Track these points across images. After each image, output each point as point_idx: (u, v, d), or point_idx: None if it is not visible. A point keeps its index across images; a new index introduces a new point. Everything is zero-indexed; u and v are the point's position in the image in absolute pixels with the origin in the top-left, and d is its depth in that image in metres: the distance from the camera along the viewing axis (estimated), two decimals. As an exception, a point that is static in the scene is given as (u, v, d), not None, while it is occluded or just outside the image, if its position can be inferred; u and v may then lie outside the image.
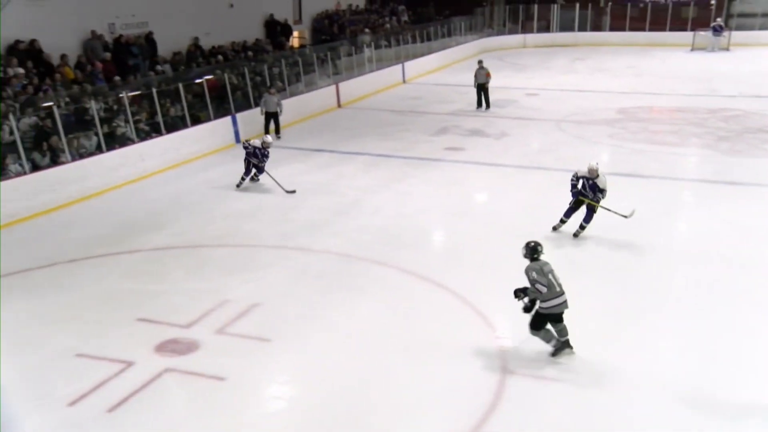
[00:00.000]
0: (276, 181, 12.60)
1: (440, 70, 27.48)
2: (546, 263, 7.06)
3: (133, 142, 13.92)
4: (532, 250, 7.09)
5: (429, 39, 28.15)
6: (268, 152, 12.79)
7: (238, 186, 12.97)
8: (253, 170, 12.93)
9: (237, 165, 13.16)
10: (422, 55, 26.83)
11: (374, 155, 15.27)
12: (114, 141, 13.57)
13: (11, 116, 11.98)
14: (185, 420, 6.49)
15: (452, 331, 7.88)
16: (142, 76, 16.19)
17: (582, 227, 10.23)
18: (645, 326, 7.91)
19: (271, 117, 16.57)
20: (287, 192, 12.59)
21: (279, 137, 16.55)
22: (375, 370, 7.20)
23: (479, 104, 19.61)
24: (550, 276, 6.94)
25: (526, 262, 7.12)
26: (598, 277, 9.15)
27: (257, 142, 12.77)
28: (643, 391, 6.69)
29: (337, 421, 6.42)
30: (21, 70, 13.80)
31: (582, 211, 10.23)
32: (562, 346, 7.19)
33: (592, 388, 6.84)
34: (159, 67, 16.95)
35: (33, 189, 11.80)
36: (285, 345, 7.66)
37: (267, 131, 16.50)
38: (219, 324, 8.01)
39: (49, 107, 12.69)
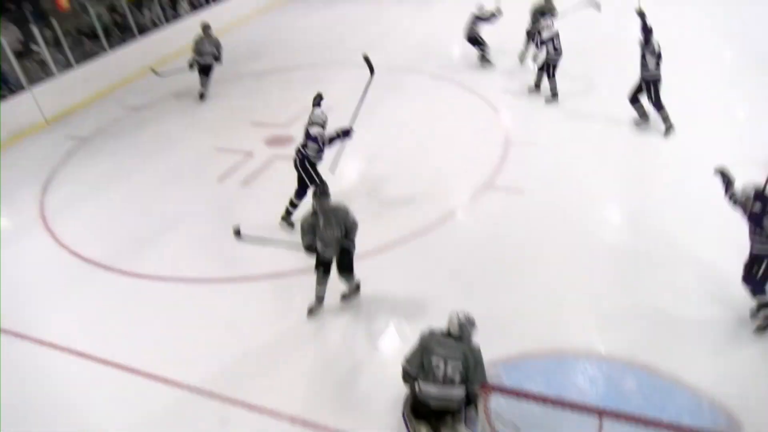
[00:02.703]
0: None
1: None
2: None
3: None
4: None
5: None
6: None
7: None
8: None
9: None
10: None
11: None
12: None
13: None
14: (292, 185, 6.58)
15: (468, 113, 7.62)
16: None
17: None
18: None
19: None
20: None
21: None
22: (419, 143, 7.10)
23: None
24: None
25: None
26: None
27: None
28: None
29: (406, 169, 6.50)
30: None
31: None
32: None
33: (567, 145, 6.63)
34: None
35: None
36: (356, 131, 7.45)
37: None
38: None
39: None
